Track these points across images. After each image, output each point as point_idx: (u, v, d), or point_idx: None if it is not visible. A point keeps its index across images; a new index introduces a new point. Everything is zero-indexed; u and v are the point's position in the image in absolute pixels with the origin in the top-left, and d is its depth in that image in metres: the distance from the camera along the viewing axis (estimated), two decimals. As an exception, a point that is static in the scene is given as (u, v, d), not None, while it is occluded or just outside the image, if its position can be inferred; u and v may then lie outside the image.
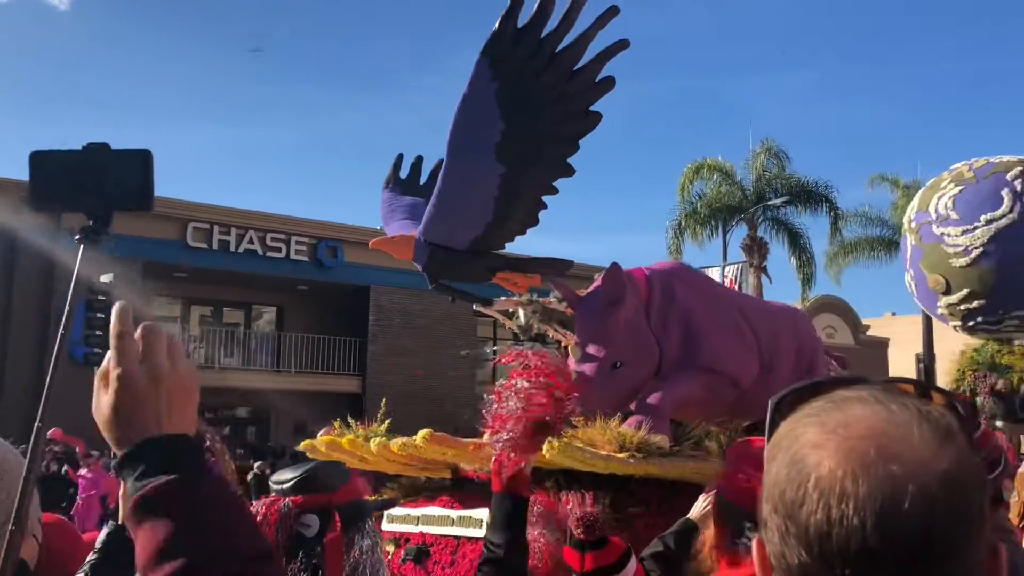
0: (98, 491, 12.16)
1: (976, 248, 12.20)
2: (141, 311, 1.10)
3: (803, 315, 7.87)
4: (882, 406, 0.77)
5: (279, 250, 24.58)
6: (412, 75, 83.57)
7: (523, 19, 5.81)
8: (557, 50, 5.84)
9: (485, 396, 2.83)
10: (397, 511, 5.94)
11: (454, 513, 6.08)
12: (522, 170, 6.22)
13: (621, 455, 5.65)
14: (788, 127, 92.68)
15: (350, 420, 7.10)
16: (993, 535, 0.77)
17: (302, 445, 7.34)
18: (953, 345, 13.16)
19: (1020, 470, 6.39)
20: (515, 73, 5.89)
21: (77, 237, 1.29)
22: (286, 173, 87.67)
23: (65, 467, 12.99)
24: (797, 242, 25.38)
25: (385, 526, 5.76)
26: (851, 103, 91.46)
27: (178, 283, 24.04)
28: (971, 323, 12.92)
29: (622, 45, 5.86)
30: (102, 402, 1.02)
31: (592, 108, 6.00)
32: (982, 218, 12.23)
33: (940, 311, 13.17)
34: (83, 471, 12.42)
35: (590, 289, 6.41)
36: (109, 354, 1.04)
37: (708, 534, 2.95)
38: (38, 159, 1.28)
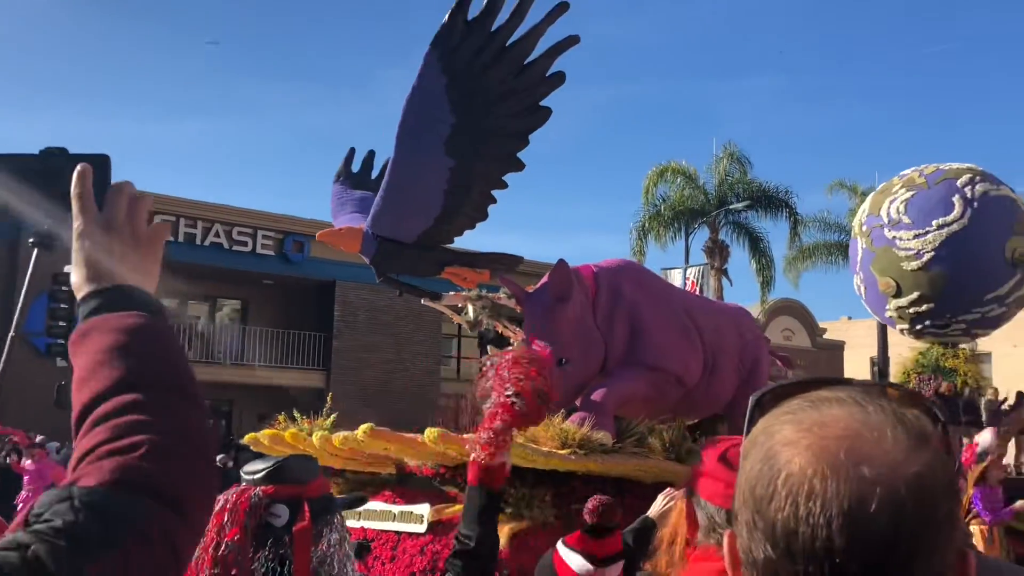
0: (44, 482, 11.92)
1: (928, 252, 12.43)
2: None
3: (747, 314, 7.94)
4: (859, 407, 0.77)
5: (245, 244, 24.38)
6: (380, 68, 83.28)
7: (473, 12, 5.79)
8: (507, 44, 5.83)
9: (470, 393, 2.83)
10: (337, 505, 5.88)
11: (396, 508, 6.04)
12: (472, 164, 6.19)
13: (563, 451, 5.66)
14: (751, 133, 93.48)
15: (295, 414, 7.05)
16: (963, 541, 0.77)
17: (246, 438, 7.25)
18: (906, 349, 13.35)
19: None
20: (465, 66, 5.87)
21: (32, 241, 1.28)
22: (253, 167, 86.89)
23: (8, 458, 12.72)
24: (757, 246, 25.77)
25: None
26: (813, 110, 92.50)
27: (141, 276, 23.66)
28: (919, 326, 13.15)
29: (572, 41, 5.86)
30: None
31: (542, 103, 6.00)
32: (934, 223, 12.47)
33: (888, 314, 13.39)
34: (27, 462, 12.17)
35: (538, 285, 6.41)
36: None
37: (666, 532, 2.99)
38: None
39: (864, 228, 12.55)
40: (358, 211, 7.01)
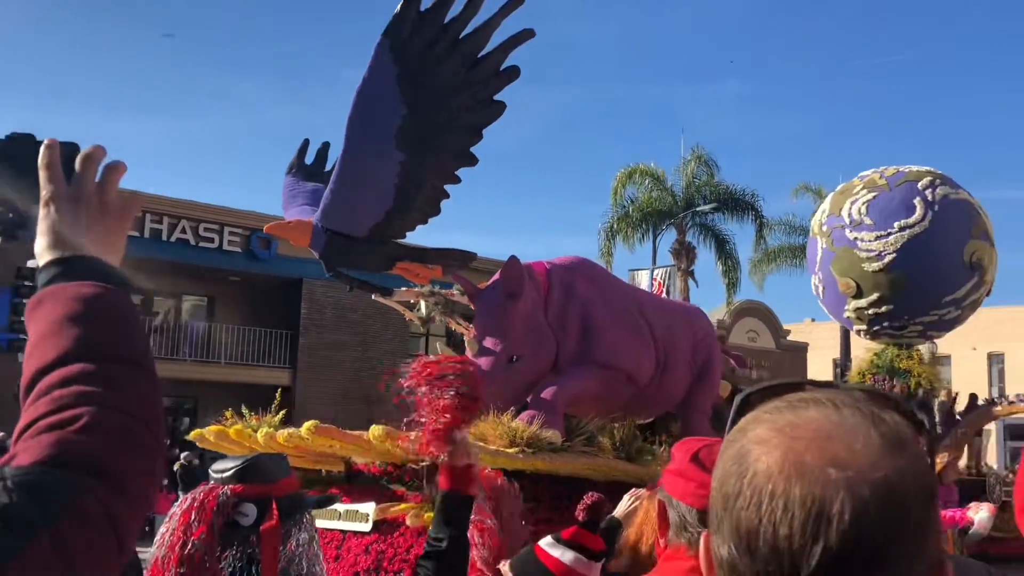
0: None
1: (889, 254, 12.50)
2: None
3: (699, 312, 7.91)
4: (835, 410, 0.77)
5: (212, 240, 24.13)
6: (346, 68, 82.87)
7: (426, 3, 5.69)
8: (460, 36, 5.73)
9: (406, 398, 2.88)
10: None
11: (341, 507, 5.93)
12: (423, 158, 6.09)
13: (511, 450, 5.58)
14: (719, 136, 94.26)
15: (243, 411, 6.91)
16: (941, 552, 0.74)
17: (192, 434, 7.11)
18: (865, 351, 13.47)
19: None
20: (417, 57, 5.76)
21: None
22: (219, 164, 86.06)
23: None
24: (724, 248, 26.06)
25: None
26: (779, 114, 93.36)
27: (105, 271, 23.36)
28: (876, 328, 13.23)
29: (527, 35, 5.77)
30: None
31: (496, 98, 5.91)
32: (896, 224, 12.55)
33: (847, 315, 13.45)
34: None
35: (490, 282, 6.33)
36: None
37: (631, 532, 2.96)
38: None
39: (824, 228, 12.60)
40: (309, 204, 6.89)
